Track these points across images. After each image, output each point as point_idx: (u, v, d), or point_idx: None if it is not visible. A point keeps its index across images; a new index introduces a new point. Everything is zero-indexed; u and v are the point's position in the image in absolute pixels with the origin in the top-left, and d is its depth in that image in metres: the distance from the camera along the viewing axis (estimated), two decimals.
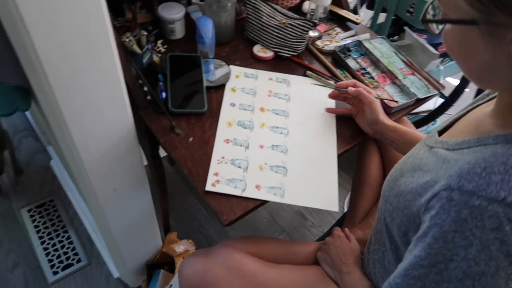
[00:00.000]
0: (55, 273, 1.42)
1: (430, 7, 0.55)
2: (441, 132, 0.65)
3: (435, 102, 1.66)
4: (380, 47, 1.20)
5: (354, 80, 0.99)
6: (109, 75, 0.77)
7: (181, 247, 1.37)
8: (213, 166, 0.88)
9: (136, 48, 0.94)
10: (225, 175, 0.87)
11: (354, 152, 1.16)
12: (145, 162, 1.15)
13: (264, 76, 1.09)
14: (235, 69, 1.09)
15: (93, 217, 1.47)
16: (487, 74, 0.50)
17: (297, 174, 0.89)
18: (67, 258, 1.46)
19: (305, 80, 1.10)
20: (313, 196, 0.86)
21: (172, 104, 0.95)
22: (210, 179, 0.86)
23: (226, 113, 0.99)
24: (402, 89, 1.10)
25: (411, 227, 0.56)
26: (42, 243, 1.49)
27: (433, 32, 0.56)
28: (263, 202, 0.84)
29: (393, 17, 1.60)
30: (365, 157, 1.10)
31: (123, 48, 0.94)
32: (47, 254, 1.46)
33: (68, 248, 1.49)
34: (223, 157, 0.90)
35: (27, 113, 1.88)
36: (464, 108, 0.68)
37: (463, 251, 0.46)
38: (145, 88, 0.94)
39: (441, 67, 1.61)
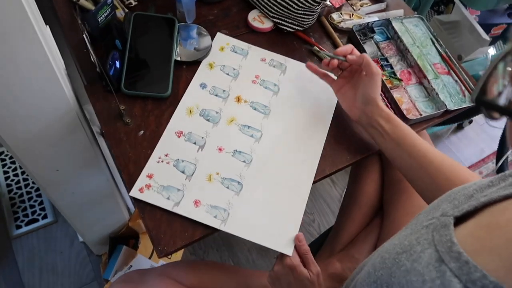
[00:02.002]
0: (18, 227, 1.33)
1: (500, 79, 0.31)
2: (459, 219, 0.41)
3: None
4: (414, 31, 0.93)
5: (351, 45, 0.75)
6: (28, 38, 0.57)
7: None
8: (150, 165, 0.69)
9: (86, 3, 0.72)
10: (160, 179, 0.68)
11: None
12: None
13: (256, 55, 0.85)
14: (221, 38, 0.86)
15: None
16: None
17: (253, 197, 0.69)
18: (33, 213, 1.36)
19: (307, 70, 0.86)
20: (264, 232, 0.66)
21: (126, 83, 0.74)
22: (141, 181, 0.67)
23: (191, 96, 0.78)
24: (430, 93, 0.86)
25: None
26: (10, 191, 1.38)
27: (491, 117, 0.32)
28: (214, 230, 0.66)
29: None
30: (361, 171, 0.89)
31: (69, 3, 0.72)
32: (13, 205, 1.36)
33: (35, 201, 1.38)
34: (166, 155, 0.71)
35: None
36: (503, 179, 0.44)
37: None
38: (92, 58, 0.73)
39: (489, 55, 1.31)
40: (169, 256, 1.24)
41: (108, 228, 1.20)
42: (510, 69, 0.32)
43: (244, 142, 0.74)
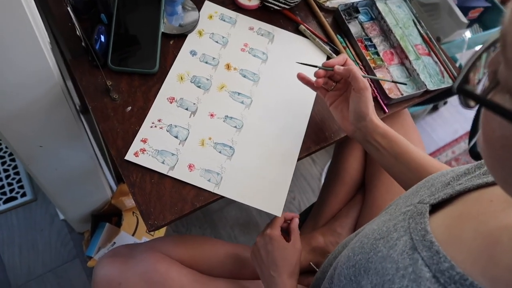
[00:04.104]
0: None
1: (481, 69, 0.32)
2: (435, 206, 0.44)
3: None
4: (397, 12, 0.95)
5: (345, 56, 0.71)
6: (14, 9, 0.55)
7: (132, 200, 1.24)
8: (144, 130, 0.70)
9: None
10: (155, 143, 0.69)
11: None
12: None
13: (244, 23, 0.86)
14: (210, 7, 0.87)
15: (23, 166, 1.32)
16: None
17: (245, 161, 0.72)
18: (11, 191, 1.33)
19: (295, 39, 0.87)
20: (255, 194, 0.70)
21: (113, 59, 0.73)
22: (135, 145, 0.68)
23: (182, 63, 0.78)
24: (411, 74, 0.88)
25: None
26: None
27: (468, 105, 0.34)
28: (202, 205, 0.67)
29: None
30: (345, 149, 0.91)
31: None
32: None
33: (13, 179, 1.35)
34: (159, 120, 0.72)
35: None
36: (478, 167, 0.46)
37: None
38: (78, 32, 0.72)
39: (466, 38, 1.35)
40: (152, 233, 1.25)
41: (91, 205, 1.20)
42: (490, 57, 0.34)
43: (235, 108, 0.76)
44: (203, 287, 0.69)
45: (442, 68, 0.90)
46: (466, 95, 0.29)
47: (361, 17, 0.94)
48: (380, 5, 0.94)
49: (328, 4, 0.92)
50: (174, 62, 0.78)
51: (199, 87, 0.77)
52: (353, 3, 0.92)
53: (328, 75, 0.71)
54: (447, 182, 0.46)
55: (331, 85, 0.73)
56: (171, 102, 0.74)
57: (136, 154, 0.68)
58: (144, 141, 0.69)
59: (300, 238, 0.83)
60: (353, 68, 0.67)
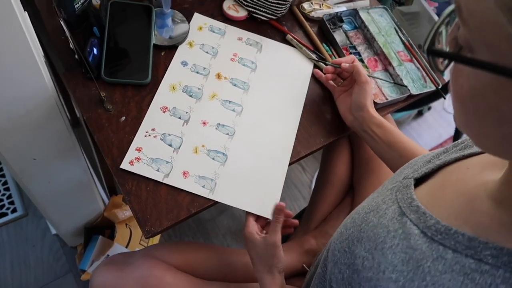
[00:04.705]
0: None
1: (443, 30, 0.36)
2: (419, 180, 0.48)
3: None
4: (379, 21, 0.99)
5: (353, 56, 0.82)
6: (10, 23, 0.57)
7: (125, 212, 1.24)
8: (138, 139, 0.71)
9: None
10: (149, 152, 0.71)
11: None
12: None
13: (233, 34, 0.89)
14: (199, 19, 0.89)
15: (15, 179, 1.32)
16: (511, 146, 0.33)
17: (237, 167, 0.74)
18: (1, 207, 1.33)
19: (282, 48, 0.90)
20: (248, 198, 0.71)
21: (106, 70, 0.75)
22: (130, 154, 0.70)
23: (174, 73, 0.80)
24: (395, 79, 0.92)
25: None
26: None
27: (438, 68, 0.37)
28: (198, 211, 0.69)
29: None
30: (332, 153, 0.94)
31: None
32: None
33: (3, 195, 1.35)
34: (153, 129, 0.73)
35: None
36: (459, 146, 0.51)
37: None
38: (71, 45, 0.73)
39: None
40: (146, 244, 1.25)
41: (83, 218, 1.20)
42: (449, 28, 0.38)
43: (227, 116, 0.78)
44: (201, 286, 0.71)
45: (424, 74, 0.94)
46: (436, 54, 0.33)
47: (345, 26, 0.97)
48: (363, 15, 0.98)
49: (313, 14, 0.95)
50: (166, 73, 0.80)
51: (191, 96, 0.79)
52: (337, 13, 0.95)
53: (337, 72, 0.82)
54: (428, 160, 0.51)
55: (339, 82, 0.84)
56: (164, 112, 0.76)
57: (131, 162, 0.69)
58: (138, 150, 0.71)
59: (293, 241, 0.86)
60: (357, 64, 0.78)
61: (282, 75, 0.86)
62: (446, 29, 0.38)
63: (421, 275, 0.37)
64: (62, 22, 0.71)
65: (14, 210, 1.33)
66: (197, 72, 0.82)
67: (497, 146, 0.34)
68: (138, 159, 0.70)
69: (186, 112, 0.77)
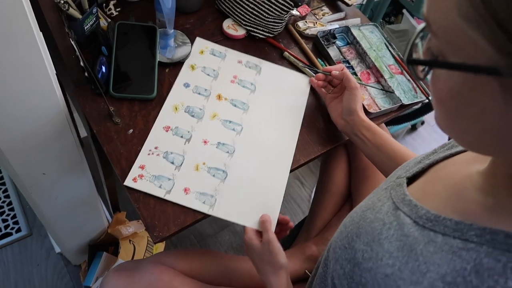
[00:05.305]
0: None
1: (419, 42, 0.40)
2: (411, 179, 0.52)
3: None
4: (370, 37, 1.05)
5: (342, 65, 0.87)
6: (27, 47, 0.61)
7: (129, 228, 1.26)
8: (142, 157, 0.75)
9: (74, 12, 0.77)
10: (152, 169, 0.74)
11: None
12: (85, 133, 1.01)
13: (233, 57, 0.93)
14: (201, 43, 0.94)
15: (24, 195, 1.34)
16: (492, 140, 0.36)
17: (237, 184, 0.76)
18: (6, 227, 1.34)
19: (281, 70, 0.95)
20: (248, 214, 0.73)
21: (114, 86, 0.80)
22: (134, 171, 0.73)
23: (176, 94, 0.84)
24: (387, 90, 0.96)
25: None
26: None
27: (418, 77, 0.42)
28: (204, 215, 0.72)
29: None
30: (330, 162, 0.98)
31: (57, 12, 0.76)
32: None
33: (8, 215, 1.37)
34: (156, 148, 0.76)
35: None
36: (446, 147, 0.55)
37: None
38: (82, 63, 0.78)
39: None
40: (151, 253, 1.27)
41: (88, 235, 1.22)
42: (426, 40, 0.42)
43: (227, 135, 0.81)
44: None
45: (415, 85, 0.99)
46: (415, 62, 0.37)
47: (338, 42, 1.03)
48: (354, 31, 1.04)
49: (308, 31, 1.01)
50: (169, 94, 0.83)
51: (192, 116, 0.82)
52: (330, 30, 1.01)
53: (328, 80, 0.88)
54: (418, 160, 0.55)
55: (330, 89, 0.89)
56: (167, 131, 0.79)
57: (134, 179, 0.72)
58: (142, 167, 0.74)
59: (295, 248, 0.89)
60: (346, 71, 0.84)
61: (280, 95, 0.90)
62: (422, 42, 0.43)
63: (414, 257, 0.40)
64: (73, 43, 0.76)
65: (18, 230, 1.34)
66: (199, 93, 0.86)
67: (477, 142, 0.38)
68: (141, 176, 0.73)
69: (188, 131, 0.80)
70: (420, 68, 0.40)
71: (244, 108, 0.86)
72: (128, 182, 0.71)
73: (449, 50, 0.34)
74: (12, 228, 1.34)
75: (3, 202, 1.39)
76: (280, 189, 0.78)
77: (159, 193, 0.71)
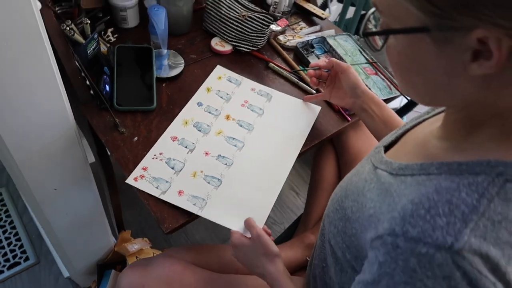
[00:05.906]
0: (0, 272, 1.34)
1: (371, 17, 0.50)
2: (388, 147, 0.61)
3: (401, 100, 1.64)
4: (345, 45, 1.16)
5: (324, 58, 0.95)
6: (41, 67, 0.70)
7: (134, 245, 1.31)
8: (146, 160, 0.82)
9: (78, 37, 0.87)
10: (153, 172, 0.80)
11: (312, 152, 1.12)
12: (93, 159, 1.08)
13: (247, 85, 1.01)
14: (220, 69, 1.02)
15: (34, 215, 1.39)
16: (436, 90, 0.45)
17: (230, 192, 0.81)
18: (14, 256, 1.38)
19: (289, 100, 1.00)
20: (235, 219, 0.77)
21: (118, 100, 0.88)
22: (136, 172, 0.80)
23: (188, 111, 0.92)
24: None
25: (359, 255, 0.53)
26: None
27: (375, 48, 0.51)
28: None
29: (363, 12, 1.56)
30: (320, 159, 1.06)
31: (64, 37, 0.86)
32: None
33: (15, 245, 1.40)
34: (161, 153, 0.84)
35: None
36: (415, 119, 0.64)
37: None
38: (88, 82, 0.86)
39: None
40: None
41: (96, 254, 1.26)
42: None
43: (228, 149, 0.87)
44: (216, 279, 0.78)
45: (389, 83, 1.09)
46: (370, 34, 0.47)
47: (316, 51, 1.13)
48: (330, 41, 1.14)
49: (288, 43, 1.11)
50: (182, 110, 0.91)
51: (199, 130, 0.89)
52: (308, 41, 1.12)
53: (318, 75, 0.92)
54: (394, 132, 0.65)
55: (322, 86, 0.95)
56: (173, 140, 0.87)
57: (135, 179, 0.79)
58: (144, 169, 0.81)
59: (295, 239, 0.95)
60: (332, 58, 0.90)
61: (287, 121, 0.95)
62: (375, 23, 0.54)
63: (389, 196, 0.49)
64: (78, 65, 0.85)
65: (26, 259, 1.38)
66: (209, 112, 0.93)
67: (428, 96, 0.48)
68: (142, 176, 0.79)
69: (193, 143, 0.87)
70: (378, 42, 0.50)
71: (249, 128, 0.92)
72: (130, 180, 0.78)
73: (392, 21, 0.44)
74: (20, 258, 1.38)
75: (10, 233, 1.43)
76: (269, 203, 0.81)
77: (155, 192, 0.77)
